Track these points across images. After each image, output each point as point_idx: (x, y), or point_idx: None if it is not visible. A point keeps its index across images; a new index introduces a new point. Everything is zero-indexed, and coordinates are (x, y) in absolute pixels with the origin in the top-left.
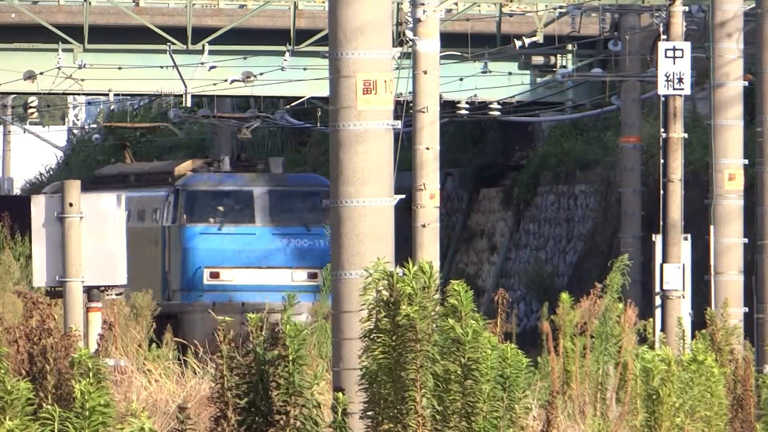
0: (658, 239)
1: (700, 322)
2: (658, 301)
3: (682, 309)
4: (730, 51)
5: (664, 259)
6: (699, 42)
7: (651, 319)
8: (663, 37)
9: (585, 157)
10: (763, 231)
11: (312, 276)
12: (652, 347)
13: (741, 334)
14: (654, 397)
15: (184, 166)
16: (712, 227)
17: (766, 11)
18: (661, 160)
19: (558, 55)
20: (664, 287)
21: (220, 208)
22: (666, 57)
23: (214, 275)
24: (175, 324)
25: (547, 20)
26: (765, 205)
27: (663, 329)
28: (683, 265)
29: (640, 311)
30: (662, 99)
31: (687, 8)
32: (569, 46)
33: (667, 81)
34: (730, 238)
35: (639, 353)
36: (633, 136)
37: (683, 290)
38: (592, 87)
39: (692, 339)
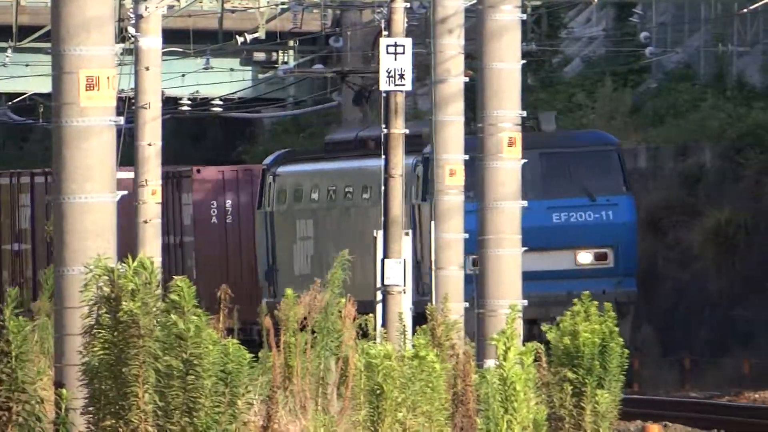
0: (379, 235)
1: (421, 316)
2: (379, 296)
3: (403, 304)
4: (451, 47)
5: (386, 255)
6: (420, 38)
7: (372, 314)
8: (384, 33)
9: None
10: (484, 226)
11: (600, 257)
12: (373, 342)
13: (461, 328)
14: (377, 392)
15: None
16: (432, 223)
17: (487, 7)
18: (383, 156)
19: (280, 51)
20: (386, 282)
21: None
22: (387, 53)
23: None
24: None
25: (269, 16)
26: (486, 200)
27: (384, 324)
28: (404, 260)
29: (369, 306)
30: (384, 95)
31: (408, 4)
32: (291, 42)
33: (389, 77)
34: (450, 234)
35: (363, 348)
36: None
37: (404, 285)
38: (314, 83)
39: (413, 334)
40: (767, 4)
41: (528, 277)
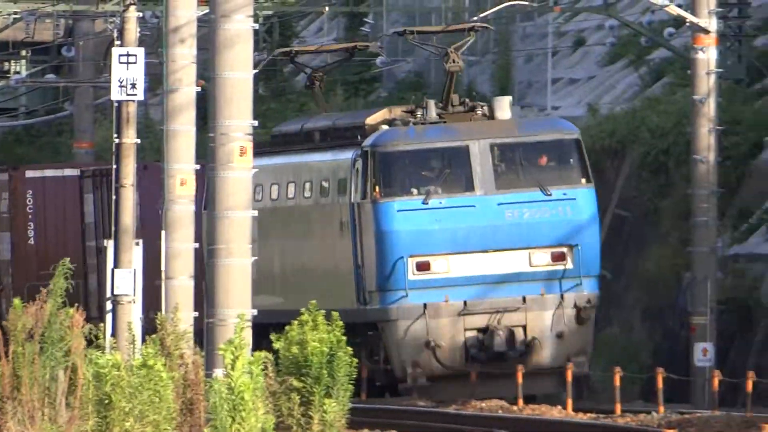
0: (110, 244)
1: (152, 326)
2: (109, 305)
3: (133, 313)
4: (184, 57)
5: (116, 264)
6: (153, 48)
7: (102, 324)
8: (117, 42)
9: (37, 162)
10: (214, 236)
11: (558, 257)
12: (102, 352)
13: (191, 338)
14: (105, 401)
15: (378, 118)
16: (163, 232)
17: (220, 17)
18: (114, 166)
19: (12, 61)
20: (116, 292)
21: (426, 174)
22: (120, 63)
23: (423, 267)
24: (374, 337)
25: (1, 26)
26: (217, 210)
27: (114, 334)
28: (134, 270)
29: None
30: (116, 104)
31: (141, 14)
32: (23, 52)
33: (121, 86)
34: (181, 243)
35: (92, 358)
36: (86, 141)
37: (134, 295)
38: (46, 93)
39: (143, 344)
40: (496, 14)
41: (478, 281)
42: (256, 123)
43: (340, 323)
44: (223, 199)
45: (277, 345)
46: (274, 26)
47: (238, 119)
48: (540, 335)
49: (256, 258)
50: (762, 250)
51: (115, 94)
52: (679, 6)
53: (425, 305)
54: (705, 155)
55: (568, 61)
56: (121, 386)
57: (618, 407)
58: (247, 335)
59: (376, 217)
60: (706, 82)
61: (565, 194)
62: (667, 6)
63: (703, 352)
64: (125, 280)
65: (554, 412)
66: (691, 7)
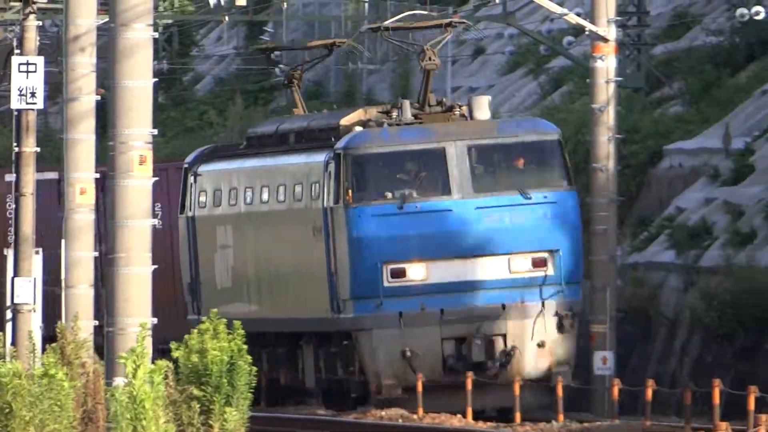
0: (9, 253)
1: (52, 335)
2: (9, 314)
3: (33, 322)
4: (83, 65)
5: (16, 273)
6: (53, 56)
7: (2, 333)
8: (17, 51)
9: None
10: (113, 244)
11: (539, 263)
12: (3, 360)
13: (91, 347)
14: (6, 410)
15: (352, 119)
16: (63, 241)
17: (119, 26)
18: (15, 175)
19: None
20: (16, 301)
21: (401, 177)
22: (20, 71)
23: (398, 273)
24: (349, 347)
25: None
26: (116, 218)
27: (14, 343)
28: (35, 279)
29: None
30: (15, 113)
31: (41, 23)
32: None
33: (21, 95)
34: (81, 252)
35: None
36: None
37: (34, 304)
38: None
39: (44, 353)
40: (397, 22)
41: (456, 288)
42: (155, 131)
43: (242, 332)
44: (122, 207)
45: (176, 354)
46: (174, 35)
47: (137, 128)
48: (520, 344)
49: (156, 267)
50: (661, 259)
51: (15, 103)
52: (578, 15)
53: (401, 313)
54: (604, 164)
55: (468, 69)
56: (22, 395)
57: (518, 416)
58: (148, 344)
59: (349, 223)
60: (605, 91)
61: (545, 197)
62: (566, 15)
63: (602, 361)
64: (25, 288)
65: (454, 421)
66: (590, 16)
